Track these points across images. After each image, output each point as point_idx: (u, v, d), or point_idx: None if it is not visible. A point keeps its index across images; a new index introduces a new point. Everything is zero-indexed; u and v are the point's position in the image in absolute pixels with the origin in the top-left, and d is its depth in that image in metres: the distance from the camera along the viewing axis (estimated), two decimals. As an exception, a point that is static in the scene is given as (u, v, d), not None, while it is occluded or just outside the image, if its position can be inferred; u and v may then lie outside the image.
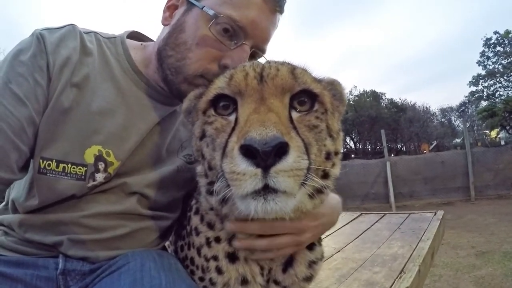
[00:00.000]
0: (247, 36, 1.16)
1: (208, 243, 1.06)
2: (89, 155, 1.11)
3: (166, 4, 1.29)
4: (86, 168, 1.10)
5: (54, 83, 1.08)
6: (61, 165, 1.08)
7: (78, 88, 1.12)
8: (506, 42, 28.95)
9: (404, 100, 43.80)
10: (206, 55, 1.17)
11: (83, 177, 1.10)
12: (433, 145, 38.67)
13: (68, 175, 1.09)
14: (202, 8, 1.14)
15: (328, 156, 0.93)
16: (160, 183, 1.27)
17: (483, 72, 30.32)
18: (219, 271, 1.03)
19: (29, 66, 1.05)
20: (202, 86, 1.09)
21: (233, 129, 0.85)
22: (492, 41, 29.94)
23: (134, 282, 0.97)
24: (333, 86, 1.06)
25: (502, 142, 28.80)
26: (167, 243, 1.44)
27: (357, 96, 45.03)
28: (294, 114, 0.88)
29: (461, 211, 11.24)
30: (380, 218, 3.43)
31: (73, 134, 1.10)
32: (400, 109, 41.02)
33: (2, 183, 1.00)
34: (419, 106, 43.80)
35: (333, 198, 1.16)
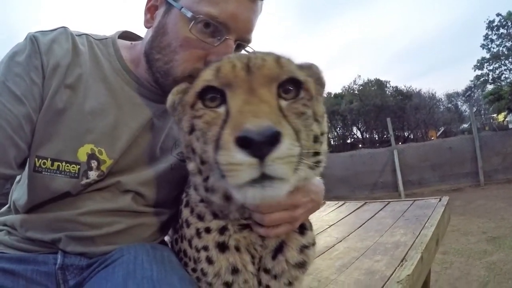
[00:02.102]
0: (229, 30, 1.16)
1: (198, 234, 1.08)
2: (82, 154, 1.15)
3: (146, 6, 1.29)
4: (79, 166, 1.15)
5: (48, 82, 1.13)
6: (56, 163, 1.13)
7: (71, 89, 1.16)
8: (510, 24, 28.48)
9: (409, 87, 43.46)
10: (191, 56, 1.18)
11: (76, 174, 1.15)
12: (441, 131, 38.39)
13: (63, 173, 1.14)
14: (180, 9, 1.14)
15: (316, 139, 0.95)
16: (154, 181, 1.29)
17: (488, 56, 29.86)
18: (209, 261, 1.04)
19: (25, 66, 1.10)
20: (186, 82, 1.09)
21: (225, 121, 0.84)
22: (495, 23, 29.42)
23: (127, 274, 1.00)
24: (312, 70, 1.06)
25: (510, 126, 28.52)
26: (167, 238, 1.46)
27: (361, 85, 44.81)
28: (283, 103, 0.89)
29: (470, 196, 11.17)
30: (384, 206, 3.40)
31: (67, 134, 1.14)
32: (405, 97, 40.76)
33: (2, 177, 1.04)
34: (424, 93, 43.43)
35: (317, 180, 1.18)
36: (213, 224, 1.07)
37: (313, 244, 1.17)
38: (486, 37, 30.25)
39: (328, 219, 3.14)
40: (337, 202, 3.97)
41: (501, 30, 29.30)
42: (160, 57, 1.22)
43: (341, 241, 2.33)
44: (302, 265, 1.11)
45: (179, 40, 1.18)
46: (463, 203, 10.29)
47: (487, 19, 29.92)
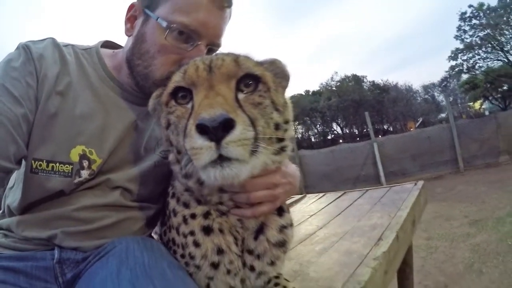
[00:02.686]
0: (201, 36, 1.30)
1: (184, 220, 1.17)
2: (74, 154, 1.25)
3: (126, 16, 1.41)
4: (72, 166, 1.25)
5: (41, 87, 1.23)
6: (51, 165, 1.22)
7: (61, 96, 1.27)
8: (481, 14, 29.19)
9: (386, 81, 44.21)
10: (168, 61, 1.33)
11: (70, 174, 1.24)
12: (419, 122, 39.04)
13: (57, 173, 1.23)
14: (156, 19, 1.27)
15: (277, 127, 1.06)
16: (140, 178, 1.39)
17: (461, 46, 30.53)
18: (196, 244, 1.13)
19: (21, 71, 1.20)
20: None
21: (190, 114, 0.98)
22: (467, 14, 30.14)
23: (120, 262, 1.08)
24: (275, 65, 1.18)
25: (487, 113, 29.16)
26: (155, 236, 1.54)
27: (338, 81, 45.28)
28: (240, 96, 1.02)
29: (451, 183, 11.46)
30: (363, 194, 3.50)
31: (60, 136, 1.24)
32: (383, 90, 41.35)
33: (4, 171, 1.12)
34: (401, 86, 44.23)
35: (293, 166, 1.31)
36: (198, 210, 1.16)
37: (291, 225, 1.27)
38: (459, 28, 30.90)
39: (308, 210, 3.22)
40: (317, 194, 4.05)
41: (474, 21, 29.98)
42: (140, 62, 1.35)
43: (321, 228, 2.40)
44: (282, 244, 1.21)
45: (156, 47, 1.31)
46: (445, 190, 10.54)
47: (459, 11, 30.54)
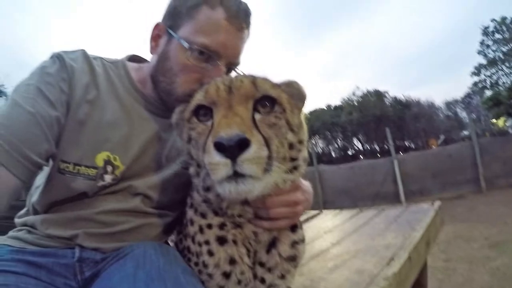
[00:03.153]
0: (220, 57, 1.37)
1: (200, 229, 1.23)
2: (100, 159, 1.32)
3: (151, 35, 1.49)
4: (96, 170, 1.30)
5: (73, 94, 1.30)
6: (77, 167, 1.29)
7: (90, 104, 1.33)
8: (504, 28, 28.71)
9: (408, 97, 43.70)
10: (189, 79, 1.39)
11: (94, 177, 1.30)
12: (441, 139, 38.27)
13: (82, 175, 1.29)
14: (178, 40, 1.36)
15: (291, 146, 1.13)
16: (161, 186, 1.47)
17: (484, 61, 30.00)
18: (210, 253, 1.19)
19: (55, 77, 1.28)
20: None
21: (210, 131, 1.06)
22: (490, 29, 29.67)
23: (137, 265, 1.14)
24: (292, 86, 1.24)
25: (510, 130, 28.41)
26: (171, 244, 1.60)
27: (360, 97, 45.01)
28: (257, 116, 1.07)
29: (472, 203, 11.14)
30: (379, 213, 3.50)
31: (87, 142, 1.30)
32: (404, 106, 40.85)
33: (35, 165, 1.17)
34: (423, 102, 43.54)
35: (307, 183, 1.38)
36: (214, 220, 1.23)
37: (303, 241, 1.33)
38: (482, 43, 30.40)
39: (324, 227, 3.25)
40: (333, 211, 4.06)
41: (496, 36, 29.45)
42: (163, 79, 1.43)
43: (335, 245, 2.43)
44: (293, 259, 1.26)
45: (179, 66, 1.39)
46: (465, 210, 10.28)
47: (482, 25, 30.06)
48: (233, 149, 0.90)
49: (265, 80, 1.18)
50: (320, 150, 49.35)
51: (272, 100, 1.12)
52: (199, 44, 1.34)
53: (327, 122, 44.02)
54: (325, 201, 15.01)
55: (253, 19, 1.49)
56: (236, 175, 0.93)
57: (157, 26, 1.49)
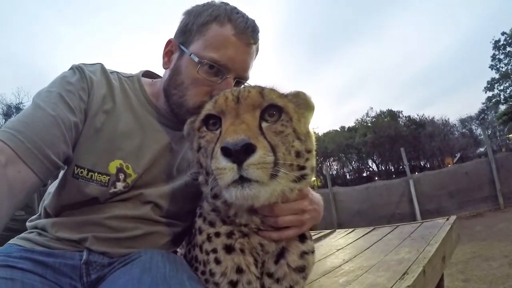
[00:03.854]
0: (229, 70, 1.45)
1: (208, 238, 1.26)
2: (112, 167, 1.40)
3: (164, 51, 1.59)
4: (109, 177, 1.38)
5: (90, 103, 1.40)
6: (90, 173, 1.36)
7: (106, 114, 1.44)
8: (515, 41, 28.54)
9: (422, 116, 43.46)
10: (200, 92, 1.47)
11: (106, 184, 1.38)
12: (457, 157, 37.67)
13: (95, 181, 1.37)
14: (190, 55, 1.44)
15: (298, 154, 1.16)
16: (171, 195, 1.53)
17: (497, 76, 29.73)
18: (217, 261, 1.21)
19: (75, 86, 1.37)
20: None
21: (218, 139, 1.10)
22: (501, 42, 29.55)
23: (143, 270, 1.17)
24: (299, 97, 1.29)
25: (527, 144, 27.89)
26: (178, 251, 1.66)
27: (374, 117, 44.98)
28: (264, 124, 1.13)
29: (491, 221, 10.94)
30: (393, 229, 3.44)
31: (102, 149, 1.39)
32: (419, 125, 40.60)
33: (53, 165, 1.22)
34: (437, 120, 43.29)
35: (317, 195, 1.41)
36: (222, 229, 1.25)
37: (312, 251, 1.34)
38: (493, 57, 30.25)
39: (336, 244, 3.19)
40: (346, 229, 4.00)
41: (508, 49, 29.29)
42: (175, 92, 1.51)
43: (347, 262, 2.37)
44: (302, 269, 1.26)
45: (190, 80, 1.47)
46: (484, 228, 10.06)
47: (493, 39, 29.92)
48: (239, 153, 0.94)
49: (272, 90, 1.23)
50: (334, 173, 49.02)
51: (279, 109, 1.16)
52: (209, 59, 1.42)
53: (341, 144, 43.93)
54: (339, 223, 14.83)
55: (264, 40, 1.58)
56: (242, 180, 0.97)
57: (169, 42, 1.58)
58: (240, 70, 1.49)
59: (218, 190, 1.13)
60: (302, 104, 1.28)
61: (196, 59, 1.43)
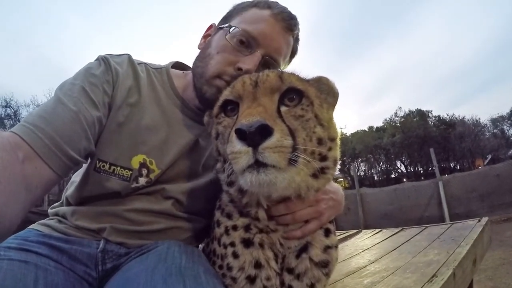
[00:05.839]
0: (259, 45, 1.42)
1: (226, 231, 1.22)
2: (135, 162, 1.38)
3: (203, 34, 1.60)
4: (131, 172, 1.37)
5: (115, 95, 1.38)
6: (112, 167, 1.36)
7: (131, 107, 1.41)
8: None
9: (452, 116, 42.36)
10: (223, 60, 1.43)
11: (128, 178, 1.36)
12: (488, 159, 36.49)
13: (117, 175, 1.36)
14: (223, 28, 1.44)
15: (320, 141, 1.10)
16: (194, 192, 1.50)
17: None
18: (235, 255, 1.17)
19: (99, 78, 1.35)
20: (217, 88, 1.37)
21: (235, 123, 1.06)
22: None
23: (158, 260, 1.16)
24: (321, 82, 1.25)
25: None
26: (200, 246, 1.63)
27: (403, 117, 44.11)
28: (283, 108, 1.09)
29: (522, 226, 10.48)
30: (421, 231, 3.34)
31: (125, 143, 1.37)
32: (449, 125, 39.58)
33: (71, 161, 1.20)
34: (468, 120, 42.04)
35: (335, 185, 1.38)
36: (239, 221, 1.21)
37: (336, 246, 1.27)
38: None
39: (362, 244, 3.13)
40: (373, 230, 3.91)
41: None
42: (200, 64, 1.49)
43: (373, 262, 2.32)
44: (325, 265, 1.20)
45: (217, 48, 1.45)
46: (515, 234, 9.67)
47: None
48: (254, 135, 0.89)
49: (292, 74, 1.19)
50: (362, 174, 48.37)
51: (299, 93, 1.11)
52: (241, 28, 1.40)
53: (369, 144, 43.22)
54: (366, 225, 14.58)
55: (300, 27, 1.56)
56: (258, 164, 0.92)
57: (210, 27, 1.59)
58: (270, 48, 1.44)
59: (234, 177, 1.08)
60: (324, 89, 1.24)
61: (227, 24, 1.44)
